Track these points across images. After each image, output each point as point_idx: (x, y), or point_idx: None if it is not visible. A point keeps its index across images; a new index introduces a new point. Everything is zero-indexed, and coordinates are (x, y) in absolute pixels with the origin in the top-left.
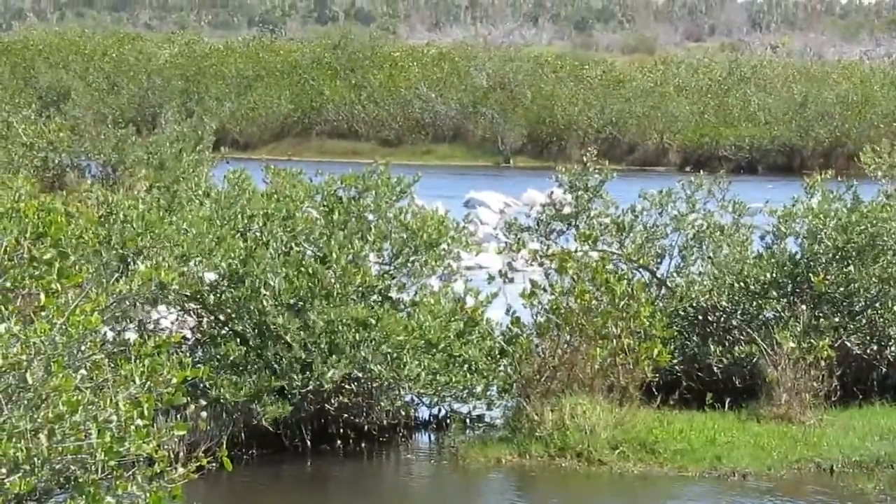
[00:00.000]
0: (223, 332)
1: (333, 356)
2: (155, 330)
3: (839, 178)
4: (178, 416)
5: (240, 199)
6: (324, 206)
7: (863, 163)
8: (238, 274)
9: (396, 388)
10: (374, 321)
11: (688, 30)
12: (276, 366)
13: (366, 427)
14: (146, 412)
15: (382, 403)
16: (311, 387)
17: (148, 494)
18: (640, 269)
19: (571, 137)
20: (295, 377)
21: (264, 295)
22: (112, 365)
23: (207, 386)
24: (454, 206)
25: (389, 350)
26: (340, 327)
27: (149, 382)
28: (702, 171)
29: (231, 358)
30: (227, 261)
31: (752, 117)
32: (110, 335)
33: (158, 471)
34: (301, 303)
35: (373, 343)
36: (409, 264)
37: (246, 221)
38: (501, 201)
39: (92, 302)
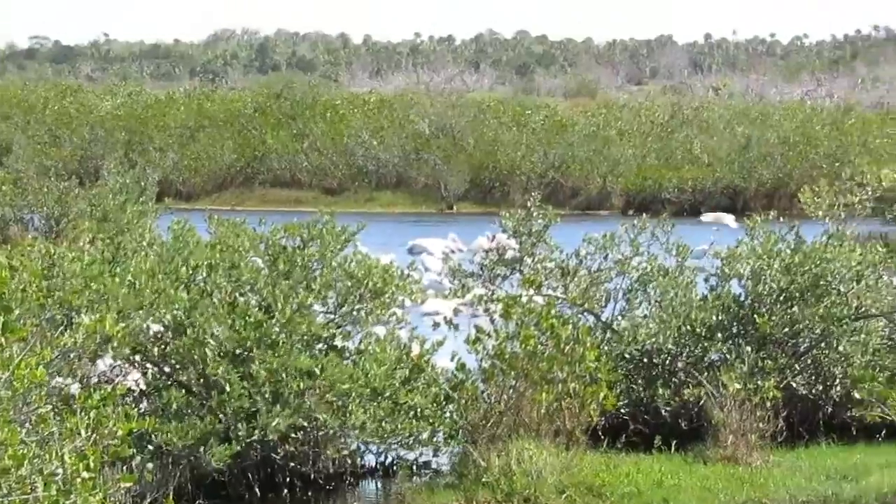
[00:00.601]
0: (168, 382)
1: (277, 406)
2: (100, 382)
3: (781, 219)
4: (125, 467)
5: (182, 250)
6: (268, 255)
7: (803, 203)
8: (182, 325)
9: (342, 436)
10: (318, 370)
11: (629, 73)
12: (220, 415)
13: (312, 475)
14: (92, 465)
15: (329, 451)
16: (256, 436)
17: None
18: (585, 313)
19: (514, 182)
20: (240, 426)
21: (207, 345)
22: (58, 418)
23: (153, 435)
24: (398, 253)
25: (335, 398)
26: (285, 377)
27: (95, 435)
28: (645, 214)
29: (174, 406)
30: (171, 312)
31: (695, 159)
32: (55, 388)
33: None
34: (245, 353)
35: (318, 392)
36: (354, 313)
37: (190, 272)
38: (445, 247)
39: (37, 355)
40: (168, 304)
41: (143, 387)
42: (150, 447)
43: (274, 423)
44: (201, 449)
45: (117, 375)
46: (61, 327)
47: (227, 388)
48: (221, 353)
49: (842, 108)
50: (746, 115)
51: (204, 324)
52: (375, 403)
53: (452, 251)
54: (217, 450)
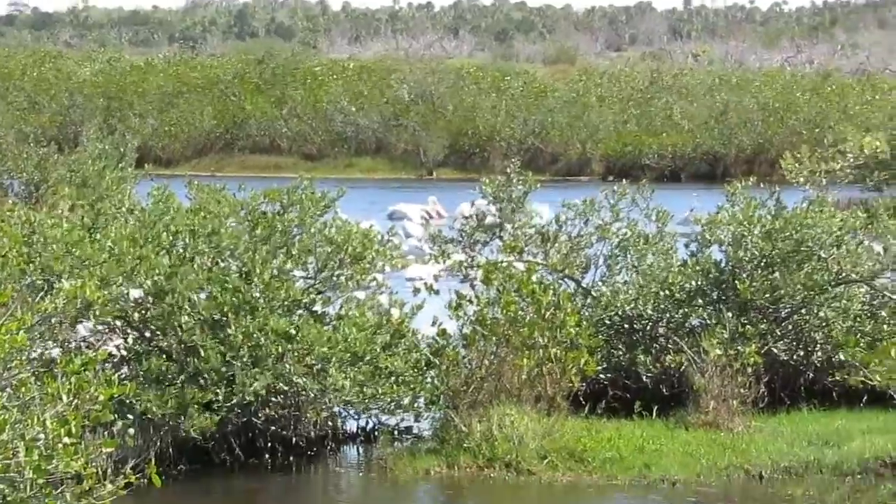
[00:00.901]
0: (149, 348)
1: (256, 369)
2: (81, 347)
3: (762, 185)
4: (106, 432)
5: (163, 215)
6: (248, 221)
7: (784, 169)
8: (163, 291)
9: (323, 400)
10: (295, 333)
11: (608, 39)
12: (200, 380)
13: (294, 440)
14: (74, 430)
15: (309, 415)
16: (234, 400)
17: None
18: (566, 279)
19: (494, 148)
20: (219, 391)
21: (186, 311)
22: (39, 383)
23: (134, 401)
24: (378, 219)
25: (314, 362)
26: (263, 340)
27: (76, 400)
28: (625, 180)
29: (155, 373)
30: (152, 278)
31: (675, 126)
32: (36, 353)
33: (87, 488)
34: (224, 318)
35: (296, 355)
36: (334, 278)
37: (171, 238)
38: (423, 210)
39: (17, 321)
40: (149, 269)
41: (124, 352)
42: (132, 413)
43: (252, 387)
44: (181, 417)
45: (98, 341)
46: (41, 293)
47: (203, 353)
48: (200, 319)
49: (821, 74)
50: (726, 82)
51: (184, 290)
52: (356, 368)
53: (432, 216)
54: (197, 419)
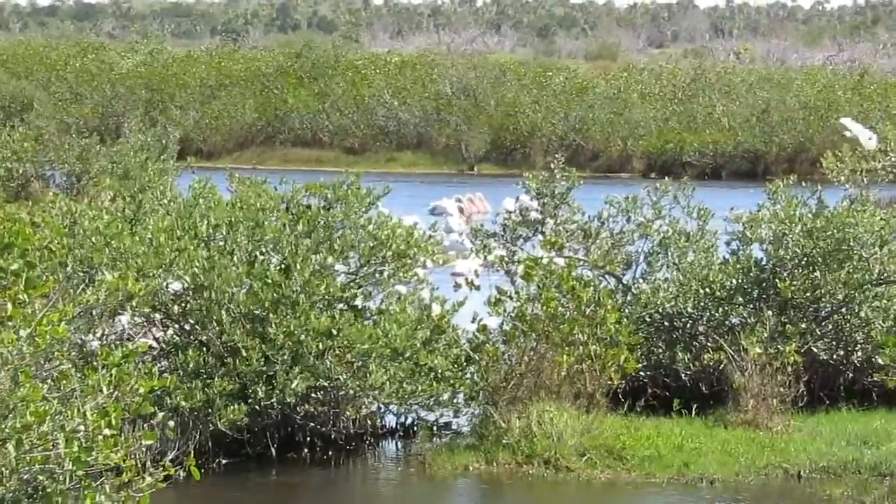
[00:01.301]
0: (188, 341)
1: (296, 367)
2: (120, 340)
3: (803, 184)
4: (146, 425)
5: (199, 207)
6: (291, 215)
7: (825, 168)
8: (202, 285)
9: (362, 396)
10: (336, 331)
11: (650, 36)
12: (240, 376)
13: (332, 435)
14: (114, 422)
15: (349, 412)
16: (274, 398)
17: None
18: (607, 276)
19: (535, 144)
20: (259, 389)
21: (225, 307)
22: (79, 375)
23: (172, 394)
24: (419, 213)
25: (354, 359)
26: (303, 338)
27: (116, 392)
28: (666, 178)
29: (191, 366)
30: (191, 271)
31: (716, 123)
32: (77, 344)
33: (126, 480)
34: (264, 313)
35: (336, 352)
36: (376, 274)
37: (211, 230)
38: (457, 199)
39: (59, 312)
40: (188, 262)
41: (164, 345)
42: (166, 406)
43: (292, 385)
44: (209, 410)
45: (137, 333)
46: (82, 284)
47: (245, 353)
48: (240, 314)
49: (862, 72)
50: (768, 80)
51: (222, 285)
52: (396, 364)
53: (470, 210)
54: (226, 412)
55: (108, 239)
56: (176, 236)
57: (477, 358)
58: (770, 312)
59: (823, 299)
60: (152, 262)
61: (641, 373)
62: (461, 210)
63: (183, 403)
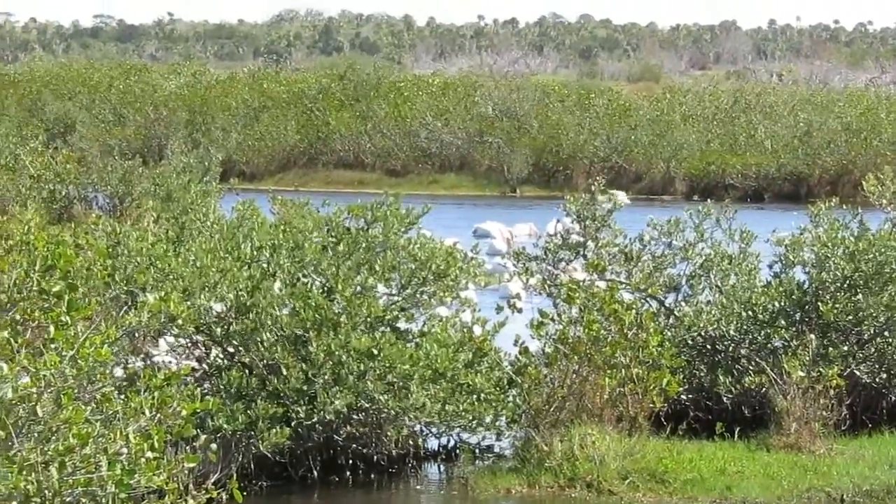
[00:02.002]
0: (230, 363)
1: (337, 387)
2: (163, 362)
3: (845, 206)
4: (188, 447)
5: (241, 229)
6: (332, 236)
7: (866, 191)
8: (245, 306)
9: (404, 418)
10: (377, 351)
11: (693, 58)
12: (281, 397)
13: (375, 457)
14: (156, 444)
15: (390, 433)
16: (315, 418)
17: None
18: (649, 299)
19: (578, 166)
20: (300, 409)
21: (267, 328)
22: (122, 397)
23: (214, 417)
24: (462, 235)
25: (395, 380)
26: (345, 358)
27: (158, 414)
28: (708, 200)
29: (234, 388)
30: (234, 292)
31: (759, 145)
32: (119, 371)
33: (169, 502)
34: (306, 334)
35: (377, 373)
36: (417, 295)
37: (254, 252)
38: (508, 231)
39: (101, 334)
40: (231, 283)
41: (206, 367)
42: (208, 429)
43: (333, 405)
44: (252, 433)
45: (181, 355)
46: (125, 306)
47: (286, 372)
48: (282, 336)
49: None
50: (811, 102)
51: (266, 306)
52: (437, 385)
53: (516, 235)
54: (269, 434)
55: (152, 259)
56: (220, 257)
57: (519, 381)
58: (812, 335)
59: (866, 322)
60: (197, 283)
61: (683, 396)
62: (508, 240)
63: (226, 426)
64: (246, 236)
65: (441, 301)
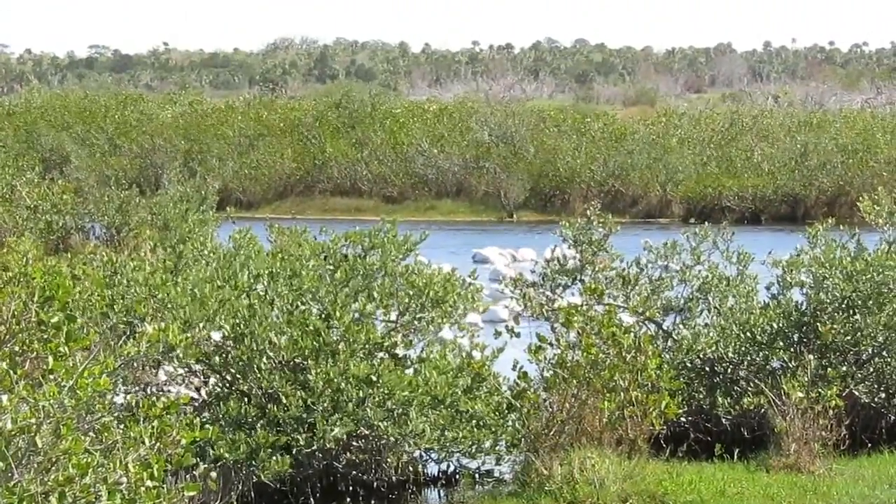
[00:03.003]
0: (229, 391)
1: (336, 415)
2: (162, 391)
3: (842, 227)
4: (188, 476)
5: (238, 258)
6: (329, 264)
7: (862, 211)
8: (242, 334)
9: (403, 444)
10: (376, 378)
11: (688, 81)
12: (280, 425)
13: (374, 484)
14: (156, 473)
15: (390, 460)
16: (315, 446)
17: None
18: (647, 322)
19: (574, 190)
20: (299, 437)
21: (266, 355)
22: (121, 426)
23: (213, 445)
24: (460, 262)
25: (394, 406)
26: (343, 385)
27: (158, 444)
28: (706, 223)
29: (233, 416)
30: (231, 321)
31: (755, 167)
32: (119, 399)
33: None
34: (304, 362)
35: (376, 400)
36: (415, 322)
37: (251, 281)
38: (507, 255)
39: (100, 364)
40: (229, 312)
41: (205, 396)
42: (208, 458)
43: (332, 433)
44: (253, 462)
45: (179, 385)
46: (124, 336)
47: (284, 400)
48: (280, 363)
49: None
50: (807, 123)
51: (262, 333)
52: (437, 412)
53: (516, 259)
54: (269, 463)
55: (151, 289)
56: (218, 286)
57: (518, 405)
58: (811, 356)
59: (864, 342)
60: (197, 313)
61: (683, 418)
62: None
63: (227, 455)
64: (243, 265)
65: (439, 327)
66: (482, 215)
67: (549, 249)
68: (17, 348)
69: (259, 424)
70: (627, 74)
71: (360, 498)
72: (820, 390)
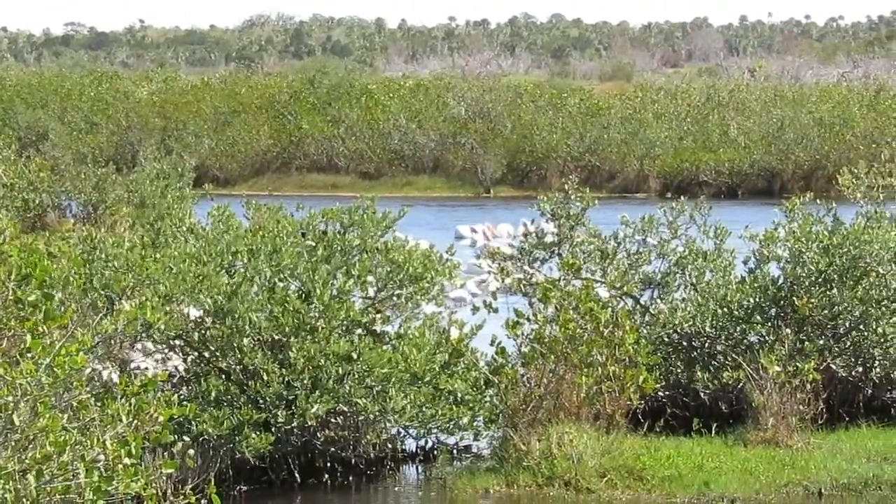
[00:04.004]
0: (208, 368)
1: (316, 392)
2: (140, 368)
3: (819, 201)
4: (166, 453)
5: (225, 236)
6: (310, 241)
7: (840, 185)
8: (222, 311)
9: (382, 421)
10: (356, 355)
11: (665, 56)
12: (259, 402)
13: (353, 460)
14: (134, 451)
15: (369, 436)
16: (295, 423)
17: None
18: (624, 297)
19: (551, 166)
20: (279, 413)
21: (246, 333)
22: (98, 404)
23: (192, 422)
24: (438, 237)
25: (374, 383)
26: (323, 362)
27: (136, 421)
28: (682, 197)
29: (213, 394)
30: (212, 298)
31: (732, 142)
32: (104, 374)
33: None
34: (284, 339)
35: (356, 377)
36: (394, 298)
37: (231, 258)
38: (473, 230)
39: (77, 342)
40: (210, 289)
41: (184, 373)
42: (190, 434)
43: (313, 410)
44: (236, 438)
45: (158, 361)
46: (102, 313)
47: (265, 377)
48: (260, 341)
49: (879, 89)
50: (783, 97)
51: (244, 312)
52: (415, 388)
53: (490, 237)
54: (252, 439)
55: (129, 265)
56: (203, 262)
57: (496, 381)
58: (788, 330)
59: (841, 316)
60: (177, 288)
61: (660, 393)
62: (485, 236)
63: (210, 431)
64: (229, 244)
65: (417, 304)
66: (459, 191)
67: (523, 224)
68: None
69: (239, 402)
70: (604, 49)
71: (339, 474)
72: (797, 364)
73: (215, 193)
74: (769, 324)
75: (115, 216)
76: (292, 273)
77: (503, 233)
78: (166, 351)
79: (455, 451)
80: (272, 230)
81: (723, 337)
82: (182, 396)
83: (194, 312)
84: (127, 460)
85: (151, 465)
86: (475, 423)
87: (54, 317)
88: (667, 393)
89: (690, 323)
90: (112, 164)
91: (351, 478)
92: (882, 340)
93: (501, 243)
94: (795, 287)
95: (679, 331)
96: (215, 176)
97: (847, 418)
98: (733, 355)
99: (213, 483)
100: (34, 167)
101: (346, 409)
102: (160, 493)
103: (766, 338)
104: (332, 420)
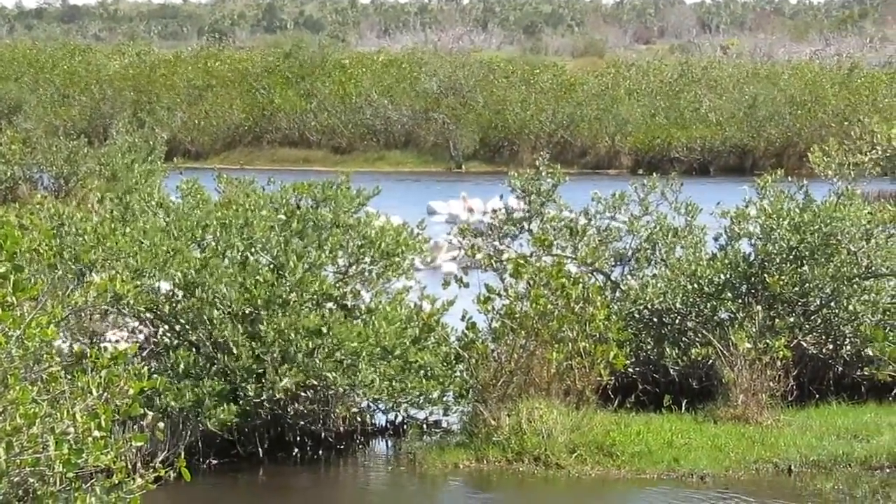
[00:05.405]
0: (178, 341)
1: (285, 365)
2: (110, 341)
3: (790, 178)
4: (135, 426)
5: (196, 210)
6: (282, 214)
7: (812, 162)
8: (193, 284)
9: (352, 394)
10: (326, 329)
11: (637, 32)
12: (229, 375)
13: (323, 434)
14: (103, 423)
15: (338, 410)
16: (264, 396)
17: None
18: (595, 273)
19: (523, 142)
20: (248, 387)
21: (216, 305)
22: (69, 377)
23: (162, 395)
24: (409, 212)
25: (343, 357)
26: (293, 336)
27: (106, 394)
28: (654, 174)
29: (182, 366)
30: (182, 271)
31: (704, 119)
32: (66, 348)
33: (116, 481)
34: (255, 312)
35: (326, 351)
36: (365, 273)
37: (201, 231)
38: (448, 208)
39: (48, 314)
40: (181, 262)
41: (154, 346)
42: (160, 406)
43: (282, 383)
44: (199, 411)
45: (129, 333)
46: (72, 286)
47: (235, 350)
48: (230, 314)
49: (850, 66)
50: (755, 75)
51: (214, 284)
52: (385, 362)
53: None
54: (216, 412)
55: (100, 238)
56: (173, 236)
57: (466, 356)
58: (759, 307)
59: (812, 293)
60: (147, 261)
61: (631, 369)
62: (469, 209)
63: (172, 404)
64: (202, 217)
65: (388, 279)
66: (431, 166)
67: (493, 201)
68: None
69: (207, 374)
70: (576, 25)
71: (308, 448)
72: (768, 341)
73: (186, 167)
74: (740, 300)
75: (86, 189)
76: (264, 246)
77: (475, 208)
78: (136, 324)
79: (425, 426)
80: (243, 203)
81: (693, 313)
82: (152, 370)
83: (165, 286)
84: (97, 433)
85: (121, 437)
86: (445, 398)
87: (24, 288)
88: (637, 369)
89: (661, 299)
90: (84, 137)
91: (320, 452)
92: (852, 318)
93: (476, 218)
94: (766, 264)
95: (650, 307)
96: (187, 150)
97: (817, 395)
98: (704, 332)
99: (182, 456)
100: (6, 139)
101: (315, 382)
102: (130, 466)
103: (737, 314)
104: (302, 394)
